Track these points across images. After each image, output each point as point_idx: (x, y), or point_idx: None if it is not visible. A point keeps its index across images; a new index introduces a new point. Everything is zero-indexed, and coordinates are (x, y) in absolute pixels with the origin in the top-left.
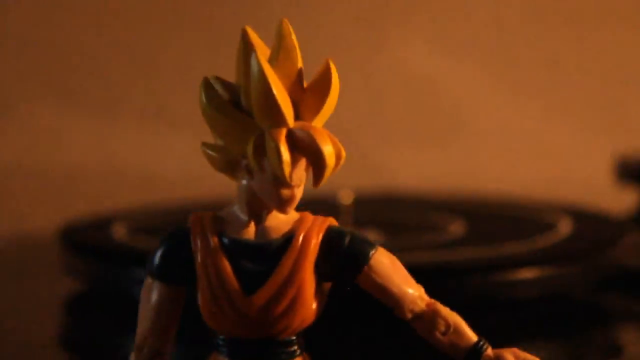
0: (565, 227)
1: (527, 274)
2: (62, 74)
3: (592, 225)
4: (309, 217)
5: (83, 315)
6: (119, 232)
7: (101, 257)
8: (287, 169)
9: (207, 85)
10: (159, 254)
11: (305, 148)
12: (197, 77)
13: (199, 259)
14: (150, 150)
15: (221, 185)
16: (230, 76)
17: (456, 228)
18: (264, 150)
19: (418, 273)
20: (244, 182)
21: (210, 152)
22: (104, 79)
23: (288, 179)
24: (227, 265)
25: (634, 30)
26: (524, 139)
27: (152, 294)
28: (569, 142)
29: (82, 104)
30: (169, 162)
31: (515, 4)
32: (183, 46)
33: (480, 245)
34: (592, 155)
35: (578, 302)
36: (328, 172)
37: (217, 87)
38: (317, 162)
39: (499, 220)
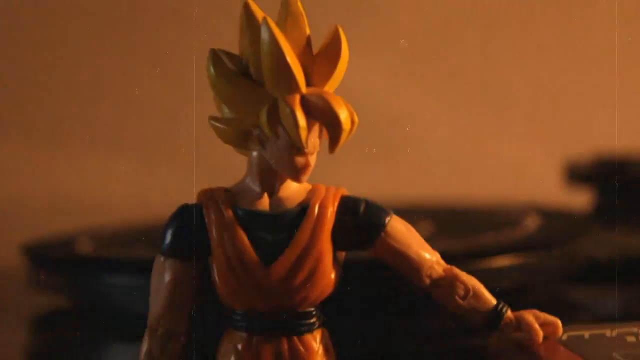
0: (530, 222)
1: (499, 262)
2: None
3: (555, 220)
4: (322, 187)
5: (53, 332)
6: (84, 246)
7: (70, 268)
8: (303, 133)
9: (215, 57)
10: (170, 231)
11: (320, 113)
12: (139, 102)
13: (214, 232)
14: (95, 177)
15: (166, 207)
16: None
17: (423, 227)
18: (278, 117)
19: None
20: (255, 153)
21: (219, 125)
22: (44, 108)
23: (305, 144)
24: (243, 237)
25: (569, 36)
26: (469, 151)
27: (164, 272)
28: (515, 151)
29: (22, 132)
30: (114, 188)
31: (456, 17)
32: (126, 70)
33: (451, 239)
34: (538, 162)
35: (545, 292)
36: (344, 136)
37: (224, 58)
38: (333, 126)
39: (465, 218)
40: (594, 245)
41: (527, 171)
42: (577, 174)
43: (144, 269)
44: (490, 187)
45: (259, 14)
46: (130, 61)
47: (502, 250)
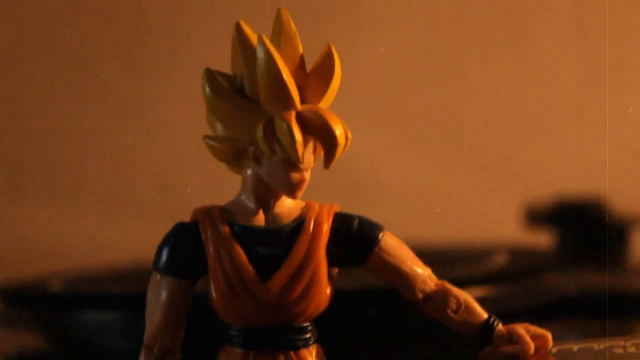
0: (496, 258)
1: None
2: None
3: (520, 256)
4: (315, 203)
5: None
6: (55, 286)
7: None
8: (300, 148)
9: (210, 75)
10: (166, 248)
11: (316, 128)
12: (98, 150)
13: (211, 249)
14: (58, 227)
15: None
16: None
17: None
18: (274, 133)
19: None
20: (249, 171)
21: (213, 144)
22: (4, 161)
23: (301, 159)
24: (241, 253)
25: (527, 80)
26: (429, 197)
27: (160, 290)
28: (475, 196)
29: None
30: (77, 237)
31: (413, 58)
32: (85, 119)
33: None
34: (498, 206)
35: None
36: (339, 152)
37: (219, 78)
38: (328, 141)
39: (431, 256)
40: (558, 280)
41: (490, 213)
42: (538, 216)
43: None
44: (453, 228)
45: (252, 34)
46: (89, 111)
47: (471, 282)
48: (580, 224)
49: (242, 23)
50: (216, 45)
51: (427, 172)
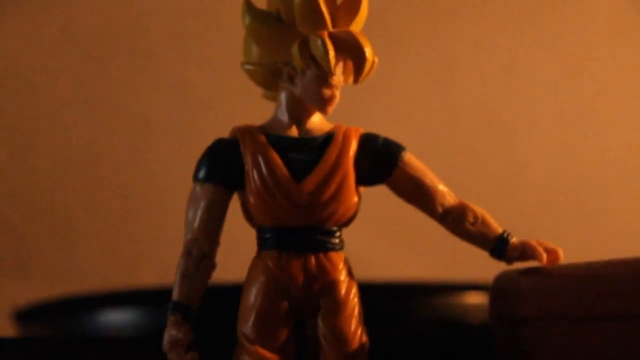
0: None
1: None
2: None
3: None
4: (343, 124)
5: None
6: None
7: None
8: (332, 60)
9: (249, 5)
10: (206, 159)
11: (347, 45)
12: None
13: (248, 156)
14: None
15: None
16: None
17: None
18: (308, 49)
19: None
20: (283, 94)
21: (251, 67)
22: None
23: (333, 69)
24: (276, 157)
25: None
26: None
27: (199, 199)
28: None
29: None
30: None
31: None
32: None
33: None
34: None
35: None
36: (368, 66)
37: (256, 7)
38: (358, 56)
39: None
40: None
41: None
42: None
43: None
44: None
45: None
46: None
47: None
48: None
49: None
50: None
51: None
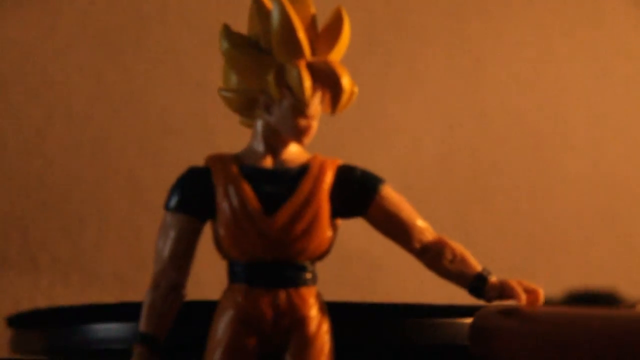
0: None
1: None
2: None
3: None
4: (320, 155)
5: None
6: None
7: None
8: (308, 91)
9: (227, 30)
10: (178, 188)
11: (323, 75)
12: None
13: (220, 187)
14: None
15: None
16: None
17: None
18: (284, 79)
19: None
20: (260, 122)
21: (228, 94)
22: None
23: (308, 101)
24: (248, 188)
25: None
26: None
27: (170, 228)
28: None
29: None
30: None
31: None
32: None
33: None
34: None
35: None
36: (346, 97)
37: (234, 33)
38: (335, 87)
39: None
40: None
41: None
42: None
43: None
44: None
45: (267, 1)
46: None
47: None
48: None
49: None
50: None
51: None
